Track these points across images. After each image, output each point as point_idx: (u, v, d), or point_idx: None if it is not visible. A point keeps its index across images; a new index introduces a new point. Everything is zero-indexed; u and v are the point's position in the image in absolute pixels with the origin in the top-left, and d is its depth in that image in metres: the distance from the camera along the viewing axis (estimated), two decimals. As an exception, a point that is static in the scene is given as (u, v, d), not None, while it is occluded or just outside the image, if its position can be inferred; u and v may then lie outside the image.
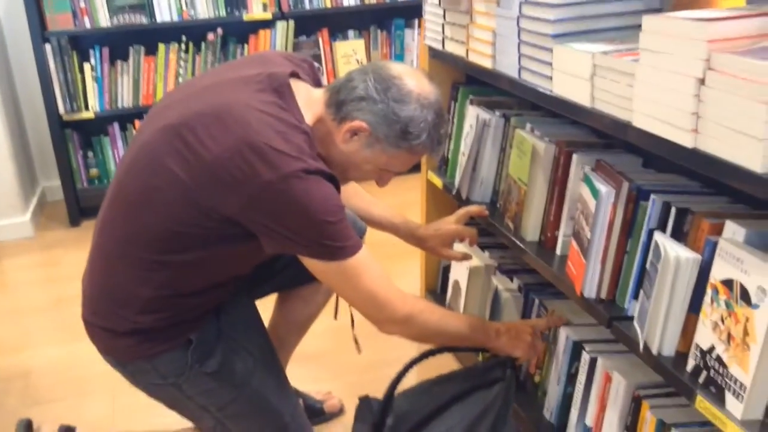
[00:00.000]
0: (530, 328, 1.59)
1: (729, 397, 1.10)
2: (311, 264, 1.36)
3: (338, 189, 1.35)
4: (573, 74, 1.38)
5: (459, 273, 2.10)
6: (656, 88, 1.15)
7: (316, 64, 1.55)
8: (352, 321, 1.77)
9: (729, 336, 1.11)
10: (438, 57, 2.06)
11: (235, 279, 1.49)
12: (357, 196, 1.81)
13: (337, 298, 1.80)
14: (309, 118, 1.38)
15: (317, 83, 1.52)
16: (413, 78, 1.39)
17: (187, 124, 1.32)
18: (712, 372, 1.14)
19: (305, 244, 1.32)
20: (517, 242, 1.70)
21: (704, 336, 1.16)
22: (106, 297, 1.44)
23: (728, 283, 1.11)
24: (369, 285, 1.39)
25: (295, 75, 1.43)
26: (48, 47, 3.28)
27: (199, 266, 1.39)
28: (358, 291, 1.40)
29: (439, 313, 1.52)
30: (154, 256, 1.36)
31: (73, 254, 3.23)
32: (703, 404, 1.14)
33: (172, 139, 1.32)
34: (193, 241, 1.34)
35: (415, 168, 2.44)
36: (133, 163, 1.38)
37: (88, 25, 3.35)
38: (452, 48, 1.96)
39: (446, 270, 2.34)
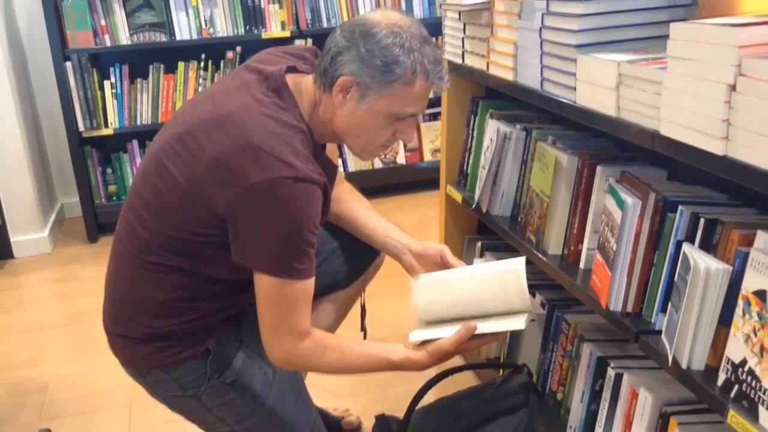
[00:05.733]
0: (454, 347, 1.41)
1: (762, 411, 1.07)
2: (258, 274, 1.33)
3: (328, 198, 1.35)
4: (598, 84, 1.37)
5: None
6: (685, 95, 1.13)
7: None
8: (365, 334, 1.75)
9: (762, 348, 1.08)
10: (457, 71, 2.05)
11: (251, 284, 1.48)
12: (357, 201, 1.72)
13: (362, 310, 1.78)
14: (307, 110, 1.38)
15: None
16: (378, 13, 1.35)
17: (189, 131, 1.35)
18: (744, 386, 1.11)
19: (269, 257, 1.30)
20: (540, 256, 1.68)
21: (736, 349, 1.13)
22: (122, 303, 1.45)
23: (761, 294, 1.08)
24: (287, 314, 1.34)
25: (292, 69, 1.43)
26: (69, 65, 3.32)
27: (209, 271, 1.39)
28: (275, 313, 1.34)
29: (337, 355, 1.41)
30: (165, 260, 1.38)
31: (90, 270, 3.24)
32: (735, 419, 1.10)
33: (176, 146, 1.36)
34: (199, 247, 1.36)
35: (434, 183, 2.44)
36: (145, 172, 1.42)
37: (108, 43, 3.39)
38: (472, 61, 1.96)
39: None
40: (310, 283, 1.35)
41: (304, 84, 1.41)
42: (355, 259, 1.72)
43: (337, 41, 1.34)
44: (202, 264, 1.38)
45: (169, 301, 1.40)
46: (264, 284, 1.33)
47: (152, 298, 1.40)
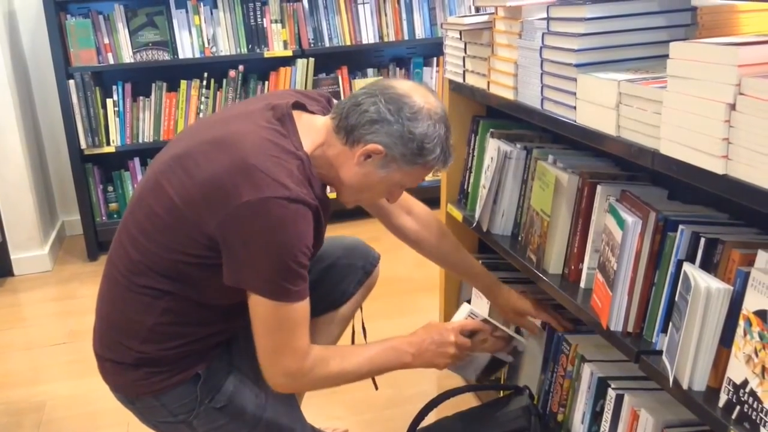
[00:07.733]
0: (453, 335, 1.55)
1: (765, 433, 1.06)
2: (252, 298, 1.33)
3: (323, 219, 1.35)
4: (597, 103, 1.37)
5: (480, 309, 2.06)
6: (685, 114, 1.13)
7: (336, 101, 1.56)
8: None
9: (763, 369, 1.06)
10: (458, 90, 2.06)
11: (243, 310, 1.47)
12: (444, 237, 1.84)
13: (355, 331, 1.77)
14: (308, 144, 1.39)
15: None
16: (420, 95, 1.40)
17: (188, 152, 1.36)
18: (746, 407, 1.10)
19: (262, 278, 1.30)
20: (540, 275, 1.67)
21: (737, 370, 1.12)
22: (112, 327, 1.44)
23: (762, 314, 1.07)
24: (288, 337, 1.34)
25: (300, 106, 1.44)
26: (72, 83, 3.33)
27: (199, 295, 1.39)
28: (273, 336, 1.34)
29: (337, 362, 1.43)
30: (156, 284, 1.37)
31: (90, 288, 3.22)
32: (737, 441, 1.09)
33: (173, 166, 1.36)
34: (190, 269, 1.35)
35: (435, 202, 2.44)
36: (141, 193, 1.42)
37: (111, 61, 3.41)
38: (473, 81, 1.96)
39: (466, 305, 2.30)
40: (306, 304, 1.34)
41: (312, 122, 1.43)
42: (348, 277, 1.72)
43: (380, 109, 1.36)
44: (192, 288, 1.37)
45: (158, 325, 1.39)
46: (260, 309, 1.32)
47: (142, 323, 1.39)
